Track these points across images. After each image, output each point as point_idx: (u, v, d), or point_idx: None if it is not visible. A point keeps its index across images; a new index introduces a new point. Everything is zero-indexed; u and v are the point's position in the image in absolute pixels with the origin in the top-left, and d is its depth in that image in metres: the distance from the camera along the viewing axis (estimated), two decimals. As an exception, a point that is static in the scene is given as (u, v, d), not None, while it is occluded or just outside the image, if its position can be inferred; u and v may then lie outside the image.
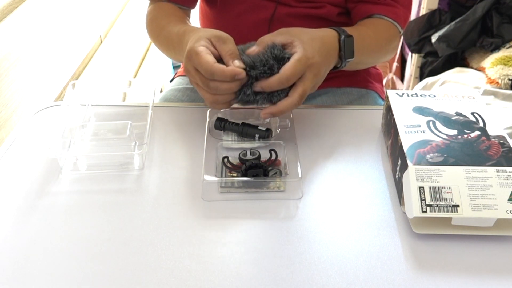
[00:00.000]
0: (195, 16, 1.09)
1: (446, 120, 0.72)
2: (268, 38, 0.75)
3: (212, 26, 1.07)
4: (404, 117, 0.73)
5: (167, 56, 0.98)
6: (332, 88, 1.05)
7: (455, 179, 0.63)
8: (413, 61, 2.08)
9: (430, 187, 0.62)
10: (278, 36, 0.75)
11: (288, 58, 0.72)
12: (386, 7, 0.96)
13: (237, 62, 0.71)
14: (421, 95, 0.79)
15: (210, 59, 0.70)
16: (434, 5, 1.96)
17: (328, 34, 0.80)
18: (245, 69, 0.71)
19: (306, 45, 0.73)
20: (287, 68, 0.71)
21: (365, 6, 0.96)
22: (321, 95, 1.03)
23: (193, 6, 1.04)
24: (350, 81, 1.05)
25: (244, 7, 0.99)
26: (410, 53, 2.11)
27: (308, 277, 0.58)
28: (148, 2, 1.03)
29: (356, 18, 0.98)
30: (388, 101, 0.79)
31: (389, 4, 0.96)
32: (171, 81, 1.17)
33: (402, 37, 1.01)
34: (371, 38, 0.91)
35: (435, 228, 0.63)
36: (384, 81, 2.24)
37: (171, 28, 0.90)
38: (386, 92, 0.80)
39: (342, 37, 0.81)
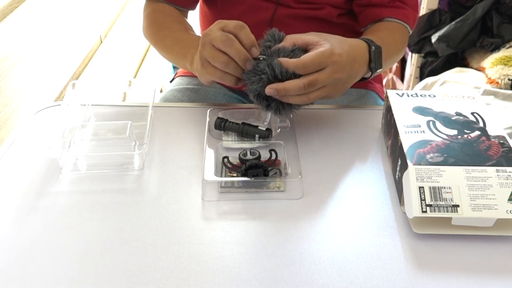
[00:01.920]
0: (195, 17, 1.09)
1: (446, 120, 0.72)
2: (292, 36, 0.75)
3: None
4: (404, 117, 0.73)
5: (167, 58, 0.98)
6: None
7: (455, 179, 0.63)
8: (413, 61, 2.08)
9: (430, 187, 0.62)
10: (305, 35, 0.75)
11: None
12: (396, 9, 0.95)
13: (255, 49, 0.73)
14: (421, 95, 0.79)
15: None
16: (434, 5, 1.96)
17: (358, 43, 0.80)
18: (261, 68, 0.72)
19: (334, 44, 0.73)
20: (308, 55, 0.71)
21: (374, 10, 0.96)
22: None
23: (194, 7, 1.04)
24: None
25: (244, 8, 0.99)
26: (410, 53, 2.11)
27: (308, 277, 0.58)
28: (144, 3, 1.02)
29: (365, 21, 0.97)
30: (388, 101, 0.79)
31: (398, 6, 0.95)
32: (171, 81, 1.17)
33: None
34: (391, 44, 0.91)
35: (435, 228, 0.63)
36: (384, 81, 2.24)
37: (183, 33, 0.92)
38: (386, 92, 0.80)
39: (373, 48, 0.80)
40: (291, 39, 0.74)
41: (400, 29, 0.96)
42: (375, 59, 0.80)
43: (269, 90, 0.71)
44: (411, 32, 0.99)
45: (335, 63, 0.72)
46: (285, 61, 0.71)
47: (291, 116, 0.80)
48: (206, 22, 1.09)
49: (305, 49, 0.74)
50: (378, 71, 0.83)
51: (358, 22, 1.00)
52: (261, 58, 0.73)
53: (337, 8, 0.99)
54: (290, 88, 0.70)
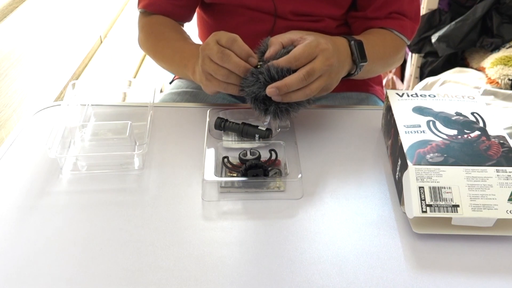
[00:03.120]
0: (191, 25, 1.08)
1: (446, 120, 0.72)
2: (277, 37, 0.75)
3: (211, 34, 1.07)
4: (404, 117, 0.73)
5: (166, 68, 0.96)
6: (332, 92, 1.05)
7: (455, 179, 0.63)
8: (413, 61, 2.08)
9: (430, 187, 0.62)
10: (287, 34, 0.76)
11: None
12: (392, 20, 0.94)
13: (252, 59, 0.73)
14: (421, 95, 0.79)
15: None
16: (434, 5, 1.96)
17: (338, 39, 0.81)
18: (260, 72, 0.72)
19: (317, 36, 0.74)
20: (296, 48, 0.72)
21: (370, 22, 0.95)
22: (320, 100, 1.03)
23: (189, 20, 1.03)
24: (350, 85, 1.04)
25: (243, 19, 0.98)
26: (410, 53, 2.11)
27: (308, 277, 0.58)
28: (139, 15, 1.01)
29: (358, 31, 0.97)
30: (388, 101, 0.79)
31: (395, 17, 0.94)
32: (170, 82, 1.17)
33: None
34: (379, 46, 0.90)
35: (435, 228, 0.63)
36: (384, 81, 2.24)
37: (182, 43, 0.91)
38: (386, 92, 0.80)
39: (352, 41, 0.81)
40: (278, 41, 0.75)
41: (392, 37, 0.95)
42: (356, 51, 0.81)
43: (270, 90, 0.71)
44: (408, 42, 0.97)
45: (324, 50, 0.72)
46: (276, 61, 0.72)
47: (289, 119, 0.80)
48: (204, 29, 1.08)
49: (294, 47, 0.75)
50: (362, 64, 0.82)
51: (351, 30, 0.99)
52: (258, 66, 0.73)
53: (336, 20, 0.98)
54: (291, 82, 0.70)
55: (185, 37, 0.95)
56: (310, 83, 0.72)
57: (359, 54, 0.81)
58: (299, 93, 0.72)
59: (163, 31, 0.96)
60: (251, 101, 0.74)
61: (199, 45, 0.87)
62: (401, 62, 1.02)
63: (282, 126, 0.81)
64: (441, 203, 0.61)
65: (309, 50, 0.71)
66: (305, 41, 0.73)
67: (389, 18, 0.94)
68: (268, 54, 0.74)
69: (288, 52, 0.73)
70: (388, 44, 0.94)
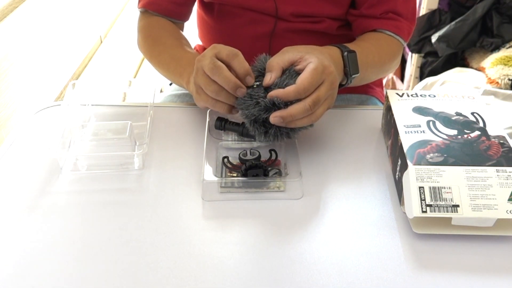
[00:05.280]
0: (191, 25, 1.08)
1: (446, 120, 0.72)
2: (276, 61, 0.72)
3: (211, 35, 1.06)
4: (404, 117, 0.73)
5: (162, 74, 0.94)
6: None
7: (455, 179, 0.63)
8: (413, 61, 2.08)
9: (430, 187, 0.62)
10: (285, 54, 0.73)
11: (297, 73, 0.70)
12: (388, 21, 0.93)
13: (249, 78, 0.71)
14: (421, 95, 0.79)
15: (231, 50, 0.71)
16: (434, 5, 1.96)
17: (332, 51, 0.79)
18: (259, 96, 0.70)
19: (319, 56, 0.71)
20: (304, 78, 0.68)
21: (366, 21, 0.94)
22: None
23: (187, 19, 1.02)
24: (350, 87, 1.03)
25: (243, 20, 0.98)
26: (410, 53, 2.11)
27: (308, 277, 0.58)
28: (139, 15, 1.00)
29: (357, 31, 0.96)
30: (388, 101, 0.79)
31: (392, 18, 0.93)
32: (171, 84, 1.17)
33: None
34: (373, 54, 0.89)
35: (435, 228, 0.63)
36: (384, 81, 2.24)
37: (179, 50, 0.90)
38: (386, 92, 0.80)
39: (345, 53, 0.79)
40: (278, 66, 0.72)
41: (389, 42, 0.94)
42: (348, 63, 0.79)
43: (274, 118, 0.68)
44: (405, 44, 0.97)
45: (330, 75, 0.70)
46: (283, 93, 0.68)
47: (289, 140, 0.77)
48: (205, 30, 1.08)
49: (294, 67, 0.72)
50: (354, 76, 0.80)
51: (352, 31, 0.98)
52: (255, 86, 0.71)
53: (337, 21, 0.97)
54: (296, 112, 0.68)
55: (182, 44, 0.93)
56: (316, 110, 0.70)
57: (351, 67, 0.79)
58: (304, 120, 0.70)
59: (162, 35, 0.95)
60: (250, 123, 0.71)
61: (197, 54, 0.85)
62: (397, 66, 1.01)
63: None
64: (441, 203, 0.61)
65: (317, 77, 0.69)
66: (306, 62, 0.70)
67: (385, 18, 0.93)
68: (270, 81, 0.71)
69: (289, 72, 0.71)
70: (384, 50, 0.93)
